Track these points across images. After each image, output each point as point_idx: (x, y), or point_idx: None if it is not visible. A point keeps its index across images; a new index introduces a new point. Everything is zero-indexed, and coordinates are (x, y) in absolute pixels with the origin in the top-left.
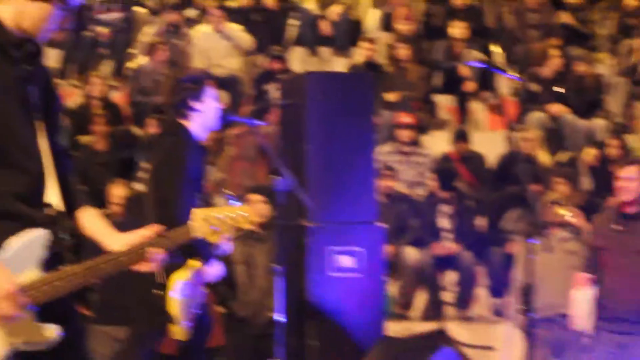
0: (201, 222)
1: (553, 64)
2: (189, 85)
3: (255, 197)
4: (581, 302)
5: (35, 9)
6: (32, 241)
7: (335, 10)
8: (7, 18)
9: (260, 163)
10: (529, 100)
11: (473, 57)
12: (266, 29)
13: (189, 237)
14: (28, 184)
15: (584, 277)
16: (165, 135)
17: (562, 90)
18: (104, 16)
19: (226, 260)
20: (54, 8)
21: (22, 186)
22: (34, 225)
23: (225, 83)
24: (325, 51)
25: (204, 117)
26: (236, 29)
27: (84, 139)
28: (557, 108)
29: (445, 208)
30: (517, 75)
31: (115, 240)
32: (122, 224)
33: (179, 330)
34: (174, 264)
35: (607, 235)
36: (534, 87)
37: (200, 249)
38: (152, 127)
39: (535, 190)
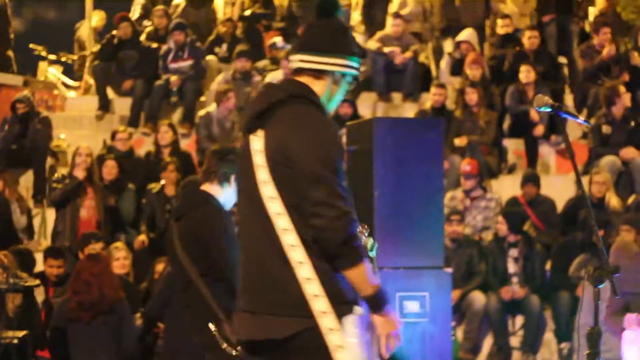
0: None
1: (623, 103)
2: (227, 157)
3: None
4: (632, 343)
5: (338, 97)
6: None
7: (403, 56)
8: (319, 93)
9: None
10: (600, 144)
11: (542, 102)
12: None
13: None
14: None
15: (634, 318)
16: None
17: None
18: (175, 65)
19: None
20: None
21: None
22: None
23: None
24: (396, 97)
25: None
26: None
27: (153, 186)
28: (629, 151)
29: (513, 252)
30: (586, 119)
31: None
32: None
33: None
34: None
35: None
36: (605, 129)
37: None
38: None
39: (603, 235)
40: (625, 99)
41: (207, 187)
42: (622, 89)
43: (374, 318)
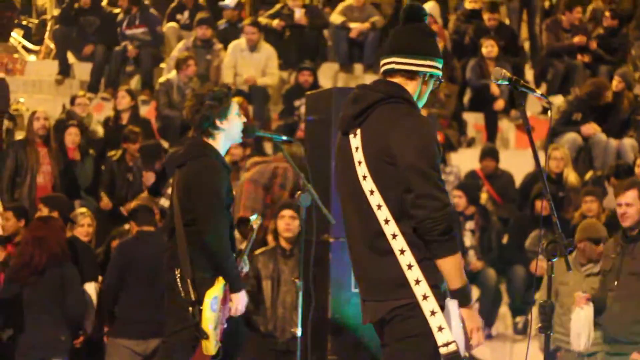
0: None
1: (604, 100)
2: (213, 103)
3: (286, 212)
4: (579, 321)
5: (425, 97)
6: None
7: (359, 28)
8: (412, 92)
9: (276, 192)
10: (566, 122)
11: (500, 75)
12: (298, 45)
13: None
14: None
15: (582, 297)
16: (194, 156)
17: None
18: (130, 31)
19: (253, 275)
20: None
21: None
22: None
23: (254, 98)
24: (358, 68)
25: (228, 134)
26: (268, 48)
27: (113, 153)
28: (589, 127)
29: (470, 224)
30: (545, 94)
31: None
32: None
33: (211, 346)
34: (204, 278)
35: (610, 258)
36: (576, 116)
37: (228, 267)
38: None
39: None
40: (607, 97)
41: (209, 140)
42: (608, 91)
43: (461, 311)
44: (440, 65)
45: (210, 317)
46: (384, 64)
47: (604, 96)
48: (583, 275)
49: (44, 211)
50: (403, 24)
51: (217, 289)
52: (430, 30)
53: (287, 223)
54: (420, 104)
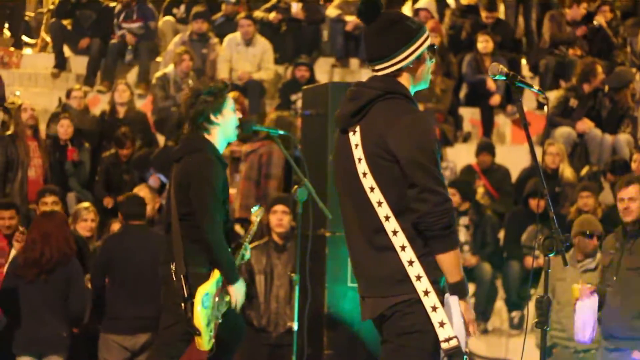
0: None
1: (597, 81)
2: (208, 98)
3: (278, 207)
4: (583, 314)
5: (427, 73)
6: None
7: (355, 22)
8: (406, 85)
9: (262, 184)
10: (562, 115)
11: (497, 70)
12: (294, 39)
13: None
14: None
15: (586, 289)
16: (191, 150)
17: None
18: (126, 25)
19: (246, 269)
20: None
21: None
22: None
23: (250, 92)
24: (354, 63)
25: (223, 129)
26: (264, 42)
27: (107, 153)
28: (584, 123)
29: (464, 220)
30: (539, 88)
31: None
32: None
33: (203, 342)
34: (198, 274)
35: (609, 253)
36: (573, 102)
37: (224, 260)
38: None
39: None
40: (600, 78)
41: (205, 135)
42: (599, 68)
43: (460, 304)
44: (423, 38)
45: (201, 313)
46: (372, 69)
47: (595, 75)
48: (579, 272)
49: (48, 202)
50: (367, 26)
51: (210, 285)
52: (395, 17)
53: (280, 218)
54: (425, 85)
